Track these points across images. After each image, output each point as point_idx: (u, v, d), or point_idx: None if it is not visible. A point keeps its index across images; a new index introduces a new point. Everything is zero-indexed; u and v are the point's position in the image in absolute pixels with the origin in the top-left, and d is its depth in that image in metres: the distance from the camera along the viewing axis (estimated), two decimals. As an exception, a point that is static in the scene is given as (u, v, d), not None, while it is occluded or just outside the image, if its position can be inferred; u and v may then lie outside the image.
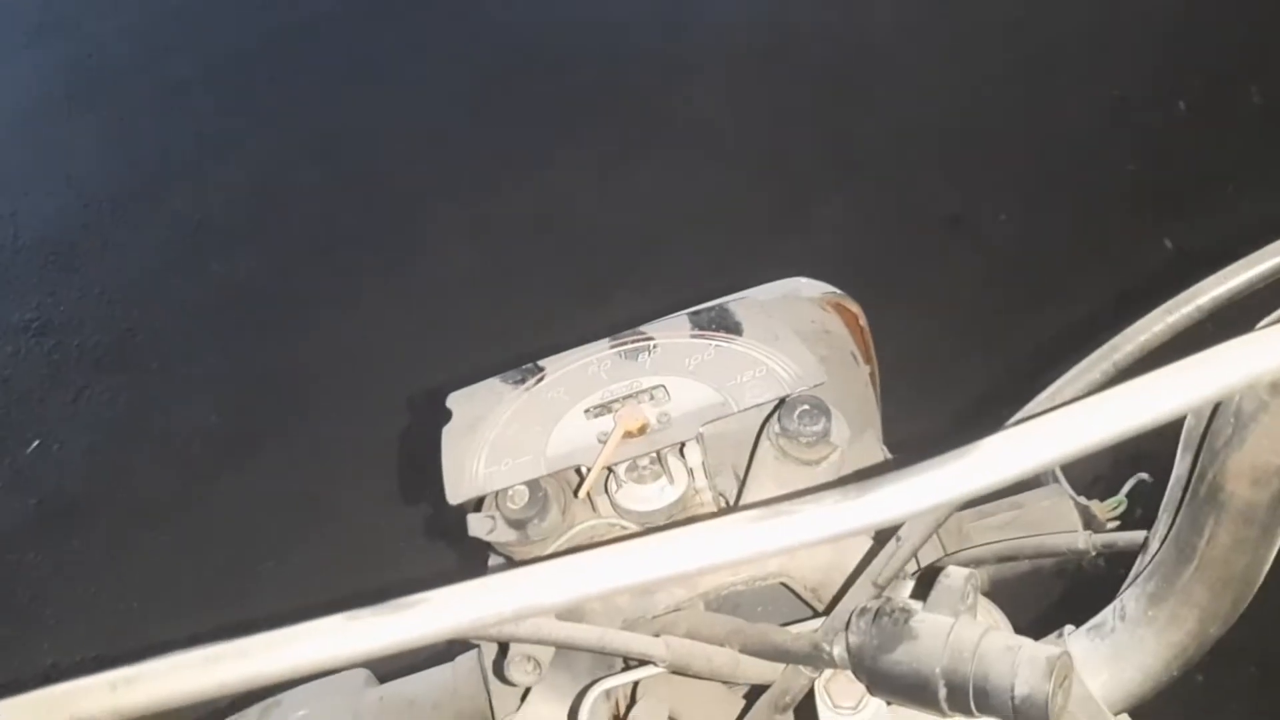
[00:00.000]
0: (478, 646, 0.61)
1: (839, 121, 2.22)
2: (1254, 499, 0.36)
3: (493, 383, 0.59)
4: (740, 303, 0.60)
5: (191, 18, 2.90)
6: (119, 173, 2.50)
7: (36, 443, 2.01)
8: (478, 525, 0.53)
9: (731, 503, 0.55)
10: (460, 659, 0.63)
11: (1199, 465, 0.38)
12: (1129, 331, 0.38)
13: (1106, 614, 0.43)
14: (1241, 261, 0.38)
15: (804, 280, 0.67)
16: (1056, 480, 0.62)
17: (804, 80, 2.31)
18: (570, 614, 0.51)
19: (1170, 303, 0.38)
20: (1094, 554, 0.50)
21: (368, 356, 1.98)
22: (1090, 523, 0.57)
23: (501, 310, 1.94)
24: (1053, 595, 0.64)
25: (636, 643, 0.45)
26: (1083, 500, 0.58)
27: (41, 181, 2.56)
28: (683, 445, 0.55)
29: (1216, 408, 0.37)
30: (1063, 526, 0.57)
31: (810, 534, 0.33)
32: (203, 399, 2.02)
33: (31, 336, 2.23)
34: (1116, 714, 0.43)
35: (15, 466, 2.00)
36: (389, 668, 0.71)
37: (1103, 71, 2.19)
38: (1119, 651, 0.42)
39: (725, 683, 0.53)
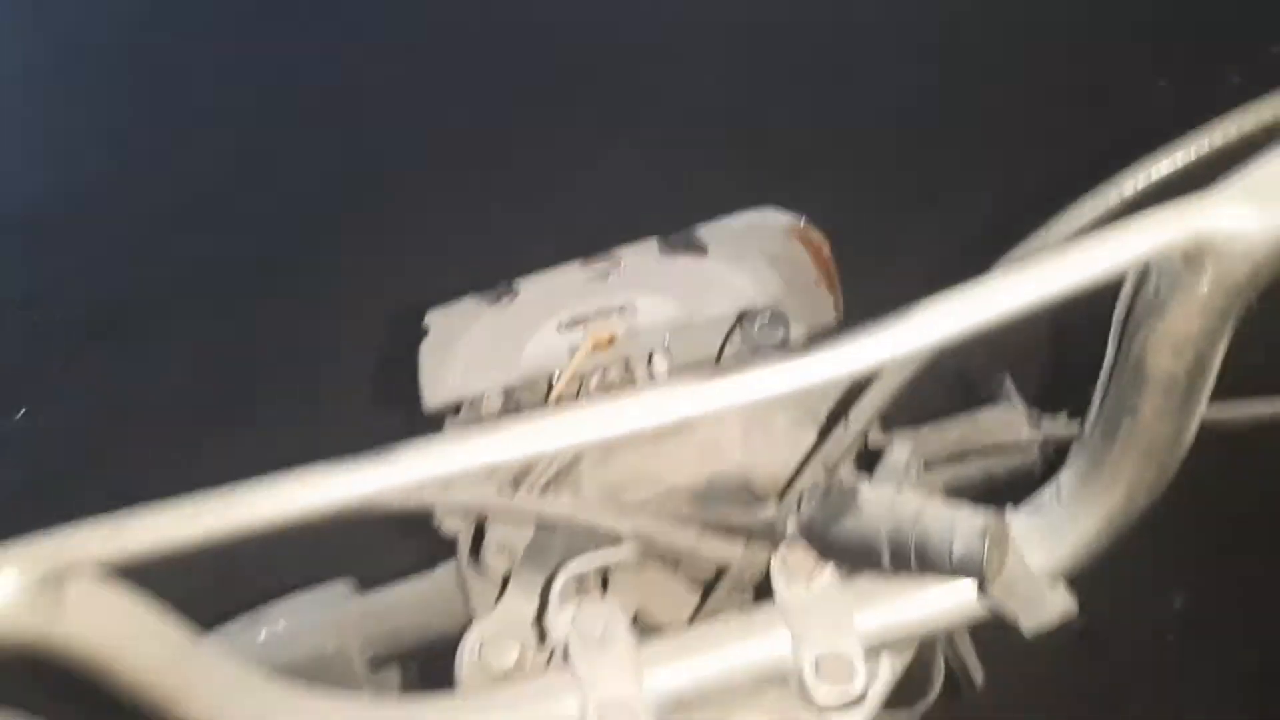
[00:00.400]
0: (455, 555, 0.64)
1: (821, 103, 2.24)
2: (1173, 369, 0.39)
3: (469, 300, 0.61)
4: (707, 227, 0.63)
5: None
6: (104, 146, 2.51)
7: (23, 410, 2.02)
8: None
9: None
10: (440, 567, 0.66)
11: (1123, 343, 0.40)
12: (1062, 215, 0.41)
13: (1043, 493, 0.46)
14: (1168, 145, 0.41)
15: (770, 210, 0.69)
16: (1009, 398, 0.64)
17: (791, 61, 2.33)
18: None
19: (1099, 187, 0.41)
20: (1037, 447, 0.53)
21: (359, 321, 1.99)
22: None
23: (489, 274, 1.96)
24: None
25: (604, 518, 0.48)
26: (1035, 412, 0.61)
27: (24, 155, 2.56)
28: (650, 357, 0.57)
29: (1140, 286, 0.40)
30: (1014, 436, 0.60)
31: (753, 393, 0.36)
32: (193, 368, 2.04)
33: (17, 309, 2.24)
34: (1052, 584, 0.46)
35: (1, 434, 2.01)
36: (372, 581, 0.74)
37: (1083, 50, 2.22)
38: (1054, 526, 0.45)
39: (687, 577, 0.55)
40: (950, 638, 0.81)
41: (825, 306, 0.67)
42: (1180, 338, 0.38)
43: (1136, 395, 0.40)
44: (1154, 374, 0.39)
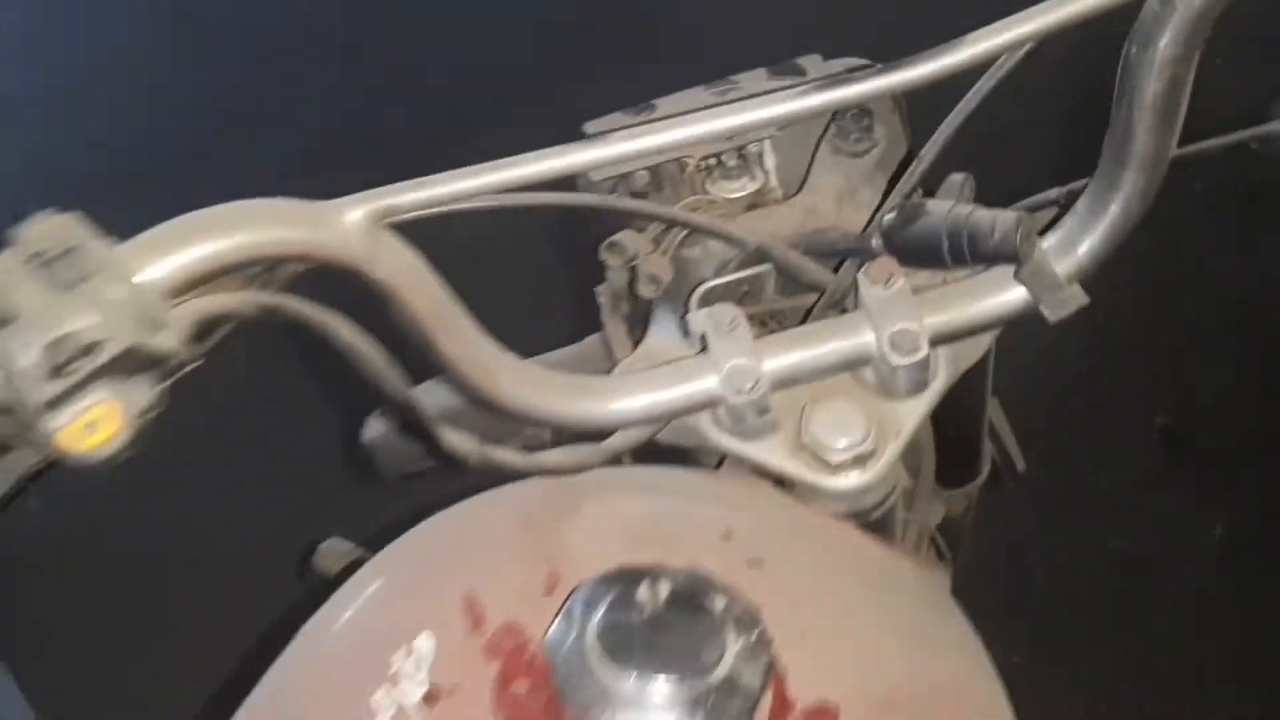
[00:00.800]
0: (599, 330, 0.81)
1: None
2: (1157, 89, 0.53)
3: (617, 114, 0.78)
4: (805, 58, 0.79)
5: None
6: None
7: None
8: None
9: (794, 193, 0.74)
10: (585, 339, 0.82)
11: (1123, 84, 0.55)
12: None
13: (1065, 217, 0.61)
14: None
15: (853, 59, 0.85)
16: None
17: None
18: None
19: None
20: (1062, 201, 0.68)
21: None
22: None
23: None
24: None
25: (737, 230, 0.64)
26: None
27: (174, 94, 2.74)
28: (761, 152, 0.74)
29: (1132, 41, 0.55)
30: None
31: (841, 98, 0.52)
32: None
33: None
34: (1070, 283, 0.61)
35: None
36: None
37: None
38: (1072, 237, 0.60)
39: (791, 306, 0.71)
40: (994, 429, 0.96)
41: (897, 129, 0.82)
42: (1161, 63, 0.53)
43: (1132, 119, 0.55)
44: (1144, 97, 0.54)
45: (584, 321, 0.86)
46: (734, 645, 0.50)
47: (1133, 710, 1.59)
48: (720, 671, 0.49)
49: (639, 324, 0.77)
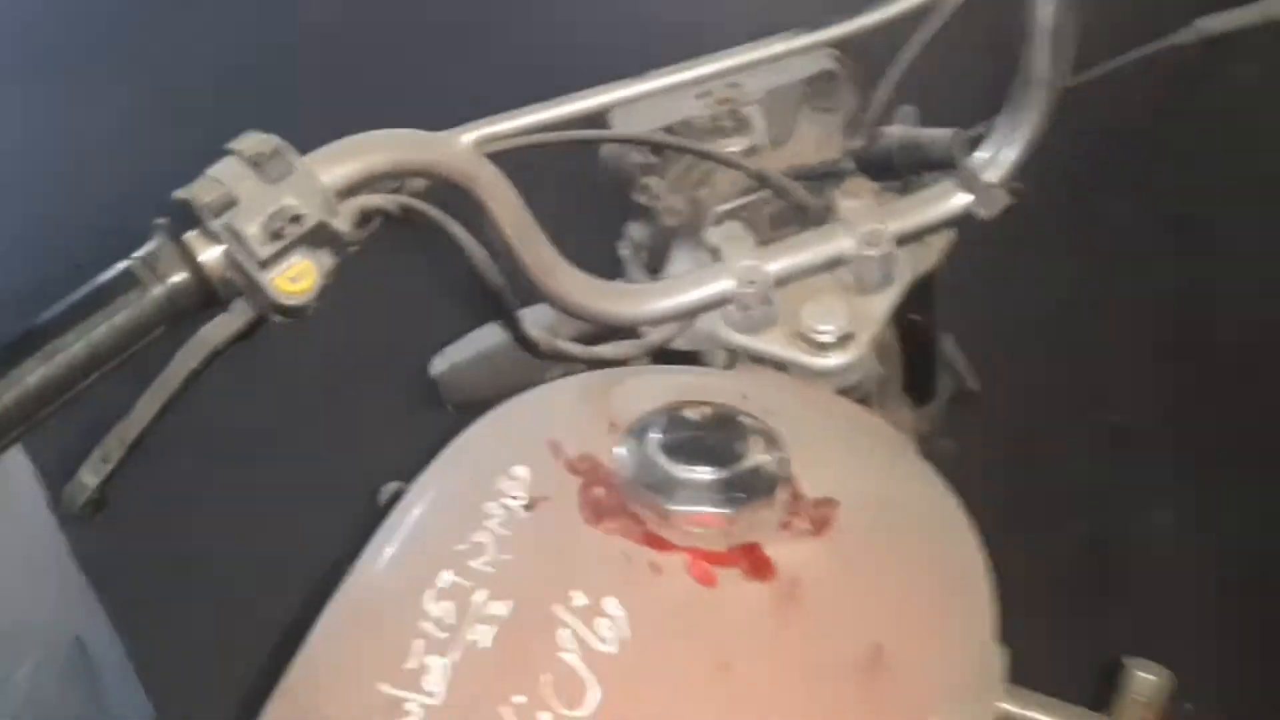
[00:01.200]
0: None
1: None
2: (1049, 30, 0.72)
3: None
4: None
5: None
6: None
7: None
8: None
9: (781, 146, 0.92)
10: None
11: (1024, 23, 0.74)
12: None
13: (990, 135, 0.80)
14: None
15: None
16: None
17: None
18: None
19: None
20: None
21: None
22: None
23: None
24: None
25: (744, 161, 0.82)
26: None
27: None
28: (753, 115, 0.92)
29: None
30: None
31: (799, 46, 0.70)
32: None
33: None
34: (997, 188, 0.79)
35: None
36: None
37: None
38: (996, 150, 0.79)
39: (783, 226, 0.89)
40: (948, 359, 1.14)
41: (851, 91, 0.99)
42: (1052, 10, 0.72)
43: (1033, 52, 0.74)
44: (1041, 35, 0.73)
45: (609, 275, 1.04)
46: (759, 446, 0.67)
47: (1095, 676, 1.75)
48: (749, 462, 0.66)
49: (656, 270, 0.95)
